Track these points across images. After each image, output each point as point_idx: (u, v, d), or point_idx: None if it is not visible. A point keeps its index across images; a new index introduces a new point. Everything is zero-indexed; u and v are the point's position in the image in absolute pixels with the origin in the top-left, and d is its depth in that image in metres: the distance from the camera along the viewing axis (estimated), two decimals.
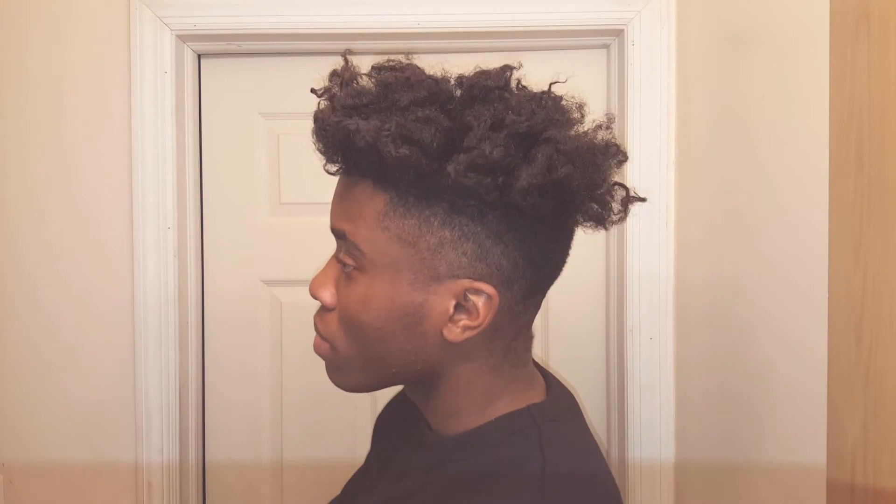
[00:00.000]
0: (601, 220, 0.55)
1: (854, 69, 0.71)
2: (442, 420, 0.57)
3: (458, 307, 0.51)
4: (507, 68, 0.52)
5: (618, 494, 0.54)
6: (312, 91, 0.54)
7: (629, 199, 0.56)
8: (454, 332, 0.51)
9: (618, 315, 1.23)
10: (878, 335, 0.67)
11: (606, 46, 1.24)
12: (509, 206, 0.49)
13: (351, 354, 0.54)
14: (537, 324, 1.34)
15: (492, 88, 0.50)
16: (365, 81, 0.52)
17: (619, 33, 1.19)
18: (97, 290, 1.21)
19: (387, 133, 0.46)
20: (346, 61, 0.54)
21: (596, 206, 0.53)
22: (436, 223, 0.50)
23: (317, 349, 0.57)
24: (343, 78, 0.52)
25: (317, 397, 1.28)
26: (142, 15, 1.17)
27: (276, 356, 1.30)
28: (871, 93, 0.68)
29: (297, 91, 1.26)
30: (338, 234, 0.53)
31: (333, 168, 0.54)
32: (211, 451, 1.31)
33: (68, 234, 1.21)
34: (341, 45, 1.21)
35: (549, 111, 0.50)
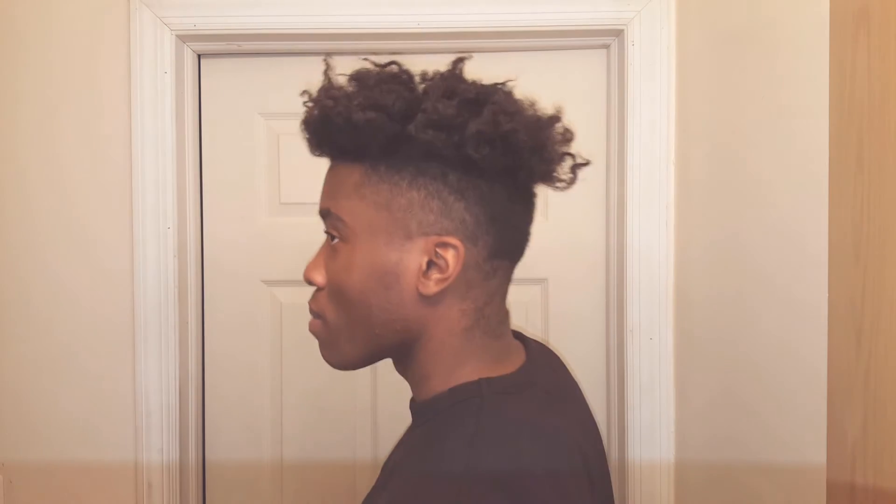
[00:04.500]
0: (549, 180, 0.60)
1: (854, 69, 0.71)
2: (418, 386, 0.61)
3: (430, 264, 0.57)
4: (459, 60, 0.60)
5: (537, 481, 0.50)
6: (305, 93, 0.62)
7: (577, 166, 0.61)
8: (428, 286, 0.56)
9: (618, 315, 1.23)
10: (877, 336, 0.67)
11: (606, 46, 1.24)
12: (467, 164, 0.55)
13: (338, 323, 0.60)
14: (538, 323, 1.35)
15: (446, 75, 0.58)
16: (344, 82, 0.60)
17: (618, 33, 1.19)
18: (97, 289, 1.21)
19: (357, 103, 0.55)
20: (328, 65, 0.62)
21: (543, 166, 0.59)
22: (404, 185, 0.56)
23: (311, 328, 0.62)
24: (325, 80, 0.61)
25: (317, 397, 1.28)
26: (142, 15, 1.17)
27: (276, 356, 1.30)
28: (871, 93, 0.68)
29: (297, 91, 1.25)
30: (324, 213, 0.60)
31: (318, 154, 0.61)
32: (211, 451, 1.31)
33: (67, 234, 1.20)
34: (341, 45, 1.21)
35: (499, 94, 0.57)
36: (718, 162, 1.05)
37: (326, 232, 0.61)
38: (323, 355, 0.62)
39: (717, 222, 1.06)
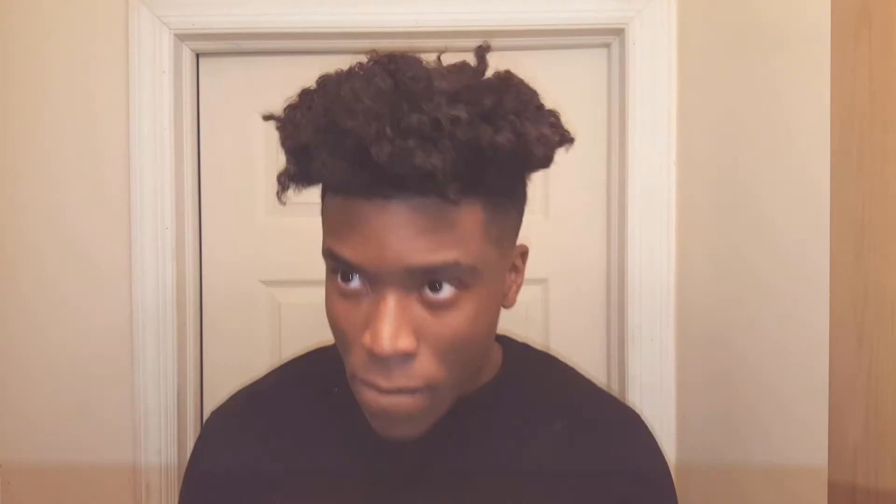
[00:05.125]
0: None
1: (855, 69, 0.71)
2: (470, 382, 0.59)
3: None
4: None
5: None
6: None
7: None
8: (511, 298, 0.57)
9: (618, 316, 1.22)
10: (879, 336, 0.67)
11: (607, 46, 1.24)
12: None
13: (455, 382, 0.51)
14: (537, 323, 1.34)
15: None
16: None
17: (619, 32, 1.19)
18: (95, 290, 1.20)
19: (538, 137, 0.45)
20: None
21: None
22: (511, 210, 0.53)
23: (401, 408, 0.49)
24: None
25: None
26: (140, 14, 1.17)
27: (275, 357, 1.29)
28: (872, 93, 0.68)
29: (297, 91, 1.25)
30: (437, 268, 0.47)
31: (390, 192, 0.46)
32: None
33: (65, 235, 1.20)
34: (341, 45, 1.21)
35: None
36: (720, 161, 1.05)
37: (434, 283, 0.48)
38: (400, 432, 0.51)
39: (718, 222, 1.06)
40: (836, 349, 0.75)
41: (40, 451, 1.21)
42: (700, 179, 1.11)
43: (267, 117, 0.54)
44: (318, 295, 1.35)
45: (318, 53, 1.23)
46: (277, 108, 1.42)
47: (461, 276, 0.48)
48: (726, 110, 1.02)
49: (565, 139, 0.49)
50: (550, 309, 1.27)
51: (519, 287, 0.57)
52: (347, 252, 0.48)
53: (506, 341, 0.67)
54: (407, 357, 0.48)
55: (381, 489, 0.57)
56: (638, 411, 0.69)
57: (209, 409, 1.29)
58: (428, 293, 0.48)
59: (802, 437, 0.82)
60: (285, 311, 1.29)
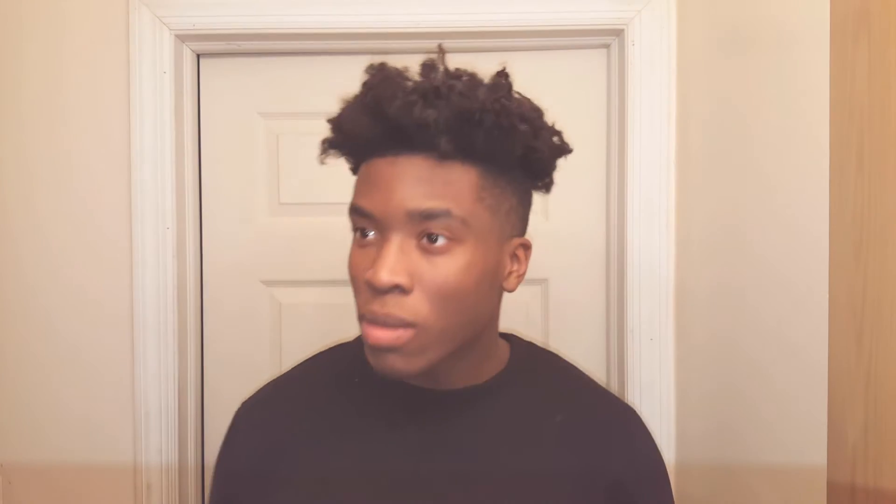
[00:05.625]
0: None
1: (854, 69, 0.71)
2: (476, 368, 0.65)
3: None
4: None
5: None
6: (423, 73, 0.59)
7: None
8: (512, 283, 0.63)
9: (618, 315, 1.22)
10: (878, 337, 0.67)
11: (607, 46, 1.24)
12: (528, 172, 0.63)
13: (436, 328, 0.57)
14: (537, 323, 1.34)
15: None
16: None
17: (619, 33, 1.19)
18: (96, 290, 1.21)
19: (508, 110, 0.56)
20: (441, 50, 0.60)
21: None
22: (508, 191, 0.60)
23: (394, 341, 0.56)
24: (442, 71, 0.59)
25: None
26: (141, 14, 1.17)
27: (276, 356, 1.30)
28: (871, 93, 0.68)
29: (297, 91, 1.26)
30: (433, 213, 0.56)
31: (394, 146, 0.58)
32: (210, 452, 1.31)
33: (67, 235, 1.20)
34: (341, 45, 1.21)
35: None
36: (719, 162, 1.05)
37: (431, 234, 0.56)
38: (394, 365, 0.57)
39: (717, 223, 1.06)
40: (836, 349, 0.75)
41: (42, 450, 1.22)
42: (699, 180, 1.11)
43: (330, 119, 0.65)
44: (319, 295, 1.36)
45: (318, 54, 1.23)
46: (277, 108, 1.42)
47: (453, 228, 0.56)
48: (725, 111, 1.02)
49: (562, 144, 0.63)
50: (550, 309, 1.27)
51: (520, 276, 0.63)
52: (364, 202, 0.58)
53: (513, 339, 0.73)
54: (402, 293, 0.55)
55: (396, 473, 0.62)
56: (637, 410, 0.71)
57: (210, 408, 1.30)
58: (425, 241, 0.56)
59: (802, 437, 0.83)
60: (286, 311, 1.29)
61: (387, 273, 0.54)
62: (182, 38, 1.20)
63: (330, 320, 1.27)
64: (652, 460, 0.68)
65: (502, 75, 0.60)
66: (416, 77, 0.58)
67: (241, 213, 1.28)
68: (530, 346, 0.73)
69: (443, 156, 0.56)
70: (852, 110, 0.71)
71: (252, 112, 1.28)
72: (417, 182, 0.56)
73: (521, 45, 1.22)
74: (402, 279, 0.55)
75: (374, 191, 0.57)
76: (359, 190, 0.60)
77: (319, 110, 1.28)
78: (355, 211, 0.59)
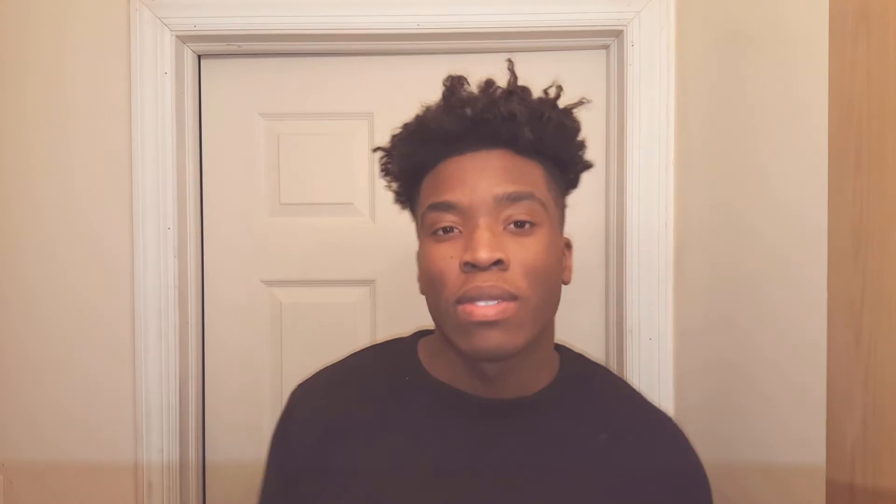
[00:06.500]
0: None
1: (853, 69, 0.71)
2: (531, 375, 0.67)
3: None
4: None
5: None
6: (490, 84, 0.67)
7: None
8: (567, 276, 0.69)
9: (617, 315, 1.23)
10: (877, 336, 0.67)
11: (606, 47, 1.24)
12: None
13: (536, 304, 0.61)
14: None
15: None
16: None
17: (618, 34, 1.19)
18: (97, 290, 1.21)
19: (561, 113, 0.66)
20: (511, 63, 0.68)
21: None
22: (560, 191, 0.67)
23: (501, 314, 0.58)
24: (512, 78, 0.67)
25: None
26: (142, 15, 1.17)
27: (276, 356, 1.30)
28: (870, 93, 0.68)
29: (297, 91, 1.26)
30: (519, 195, 0.61)
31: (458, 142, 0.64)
32: (211, 451, 1.31)
33: (68, 235, 1.21)
34: (341, 46, 1.21)
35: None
36: (718, 163, 1.05)
37: (517, 220, 0.61)
38: (497, 341, 0.59)
39: (716, 223, 1.06)
40: (834, 348, 0.75)
41: (42, 450, 1.22)
42: (698, 180, 1.11)
43: (376, 149, 0.72)
44: (319, 295, 1.35)
45: (318, 55, 1.24)
46: (278, 108, 1.43)
47: (535, 211, 0.61)
48: (725, 111, 1.03)
49: (587, 160, 0.72)
50: None
51: (570, 271, 0.70)
52: (448, 196, 0.61)
53: (563, 350, 0.75)
54: (501, 269, 0.59)
55: (440, 473, 0.63)
56: (684, 431, 0.72)
57: (211, 407, 1.30)
58: (511, 227, 0.61)
59: (800, 437, 0.83)
60: (286, 310, 1.29)
61: (487, 250, 0.57)
62: (183, 39, 1.21)
63: (330, 320, 1.27)
64: (695, 476, 0.69)
65: (548, 90, 0.67)
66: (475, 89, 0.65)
67: (242, 213, 1.29)
68: (580, 359, 0.75)
69: (520, 149, 0.62)
70: (851, 110, 0.71)
71: (253, 113, 1.28)
72: (500, 171, 0.61)
73: (521, 46, 1.22)
74: (502, 254, 0.58)
75: (457, 185, 0.61)
76: (439, 188, 0.63)
77: (320, 111, 1.30)
78: (439, 207, 0.62)
